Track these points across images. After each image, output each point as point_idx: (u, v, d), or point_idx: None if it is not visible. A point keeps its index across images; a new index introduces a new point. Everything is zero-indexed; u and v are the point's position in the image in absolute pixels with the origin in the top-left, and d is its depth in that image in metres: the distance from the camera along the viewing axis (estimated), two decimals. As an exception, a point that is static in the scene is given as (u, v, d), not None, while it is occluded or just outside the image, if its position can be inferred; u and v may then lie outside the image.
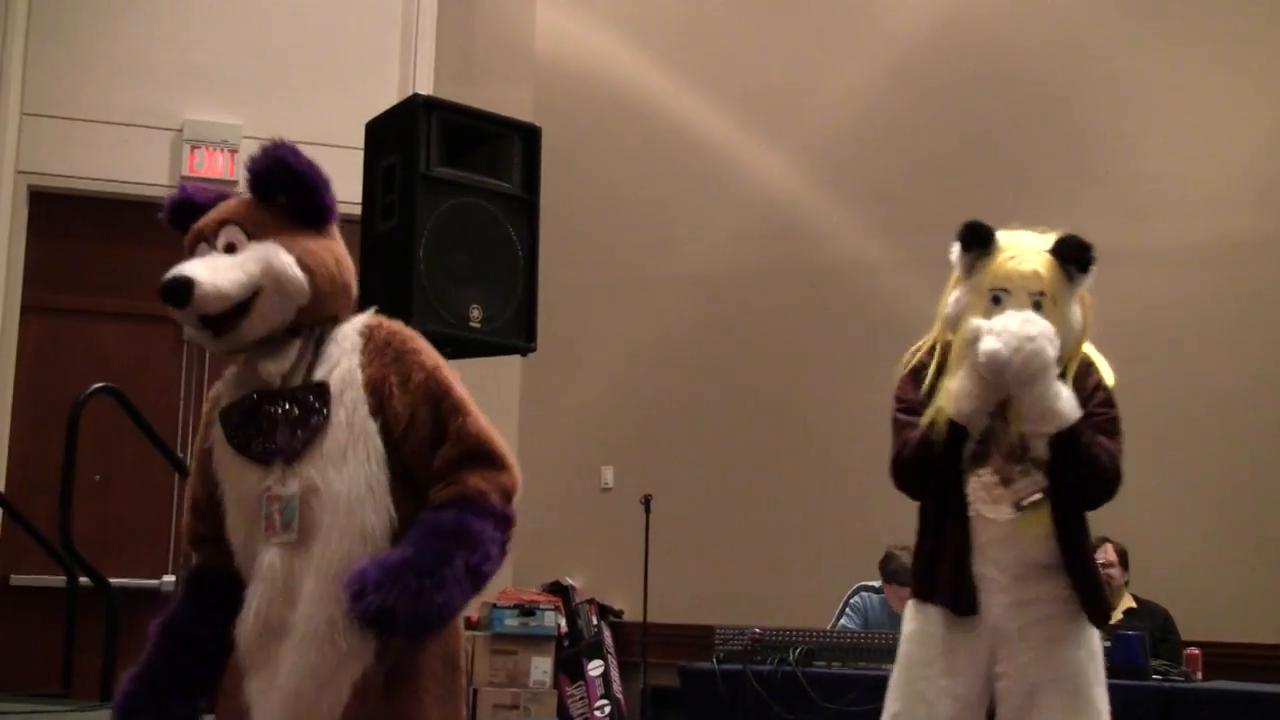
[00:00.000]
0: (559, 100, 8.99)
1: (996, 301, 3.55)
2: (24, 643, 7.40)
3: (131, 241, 7.76)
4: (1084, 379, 3.66)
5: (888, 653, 5.47)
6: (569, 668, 8.31)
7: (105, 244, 7.94)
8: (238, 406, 2.91)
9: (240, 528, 2.86)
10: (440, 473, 2.80)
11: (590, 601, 8.62)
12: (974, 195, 7.92)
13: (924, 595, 3.65)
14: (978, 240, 3.62)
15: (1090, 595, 3.58)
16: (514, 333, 4.34)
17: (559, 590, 8.57)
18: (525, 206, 4.38)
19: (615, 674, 8.43)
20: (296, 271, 2.85)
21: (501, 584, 8.49)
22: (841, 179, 8.60)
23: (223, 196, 3.08)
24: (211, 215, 2.95)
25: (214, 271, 2.79)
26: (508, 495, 2.83)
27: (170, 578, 7.71)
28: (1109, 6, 8.17)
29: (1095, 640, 3.61)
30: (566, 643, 8.35)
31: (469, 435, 2.83)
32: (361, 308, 4.22)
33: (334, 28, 8.46)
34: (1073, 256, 3.58)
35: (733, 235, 8.85)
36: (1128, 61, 8.05)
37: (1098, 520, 6.63)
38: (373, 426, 2.80)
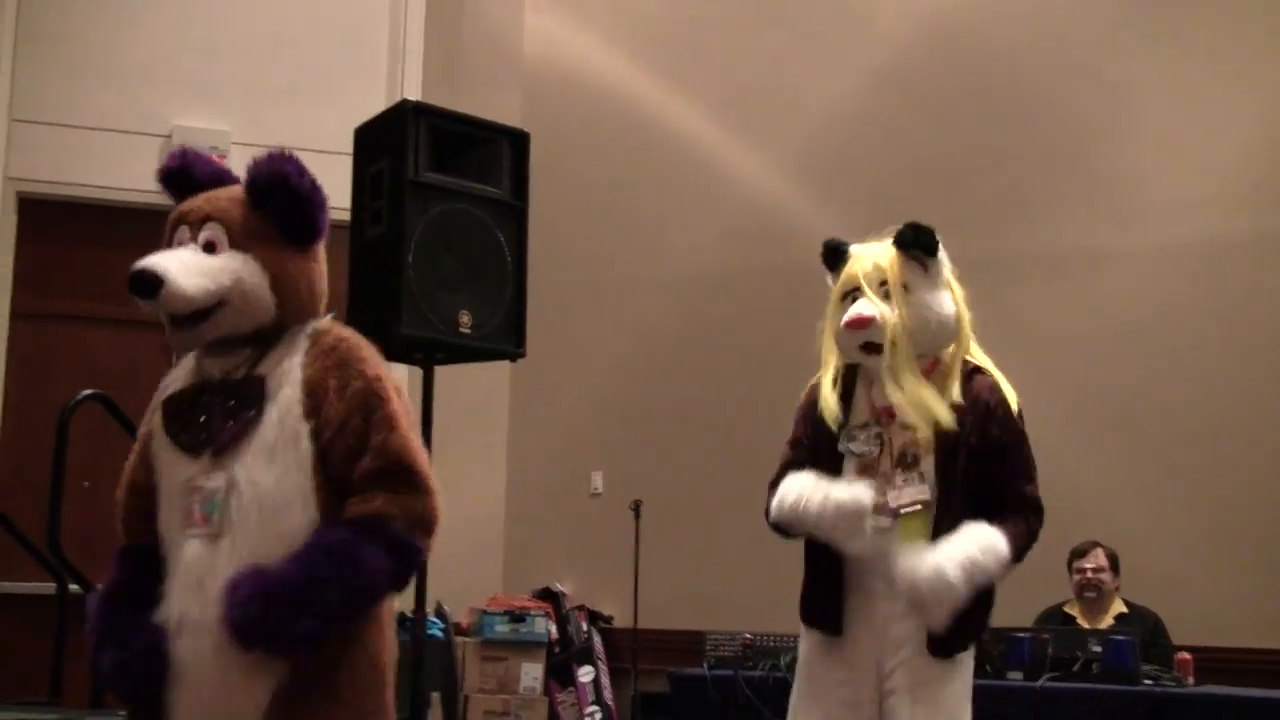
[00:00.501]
0: (547, 105, 8.99)
1: (851, 300, 3.62)
2: (12, 650, 7.38)
3: (120, 247, 7.62)
4: (981, 392, 3.60)
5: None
6: (560, 674, 8.30)
7: (94, 250, 7.90)
8: (180, 396, 2.91)
9: (165, 517, 2.84)
10: (357, 485, 2.77)
11: (580, 607, 8.62)
12: (960, 198, 7.93)
13: (802, 617, 3.76)
14: (833, 256, 3.76)
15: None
16: (503, 338, 4.33)
17: (549, 596, 8.57)
18: (514, 212, 4.38)
19: (606, 680, 8.42)
20: (266, 294, 2.86)
21: (492, 590, 8.48)
22: (828, 181, 8.60)
23: (219, 175, 3.09)
24: (200, 203, 2.94)
25: (186, 272, 2.79)
26: (417, 522, 2.79)
27: (160, 585, 7.70)
28: (1095, 10, 8.18)
29: (965, 657, 3.56)
30: (557, 649, 8.34)
31: (391, 451, 2.78)
32: (351, 313, 4.21)
33: (322, 34, 8.46)
34: (911, 241, 3.62)
35: (720, 238, 8.85)
36: (1114, 65, 8.06)
37: (1089, 524, 6.64)
38: (305, 428, 2.78)
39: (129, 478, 2.97)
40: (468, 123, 4.43)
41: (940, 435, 3.50)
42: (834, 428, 3.66)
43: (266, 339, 2.91)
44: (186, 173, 3.07)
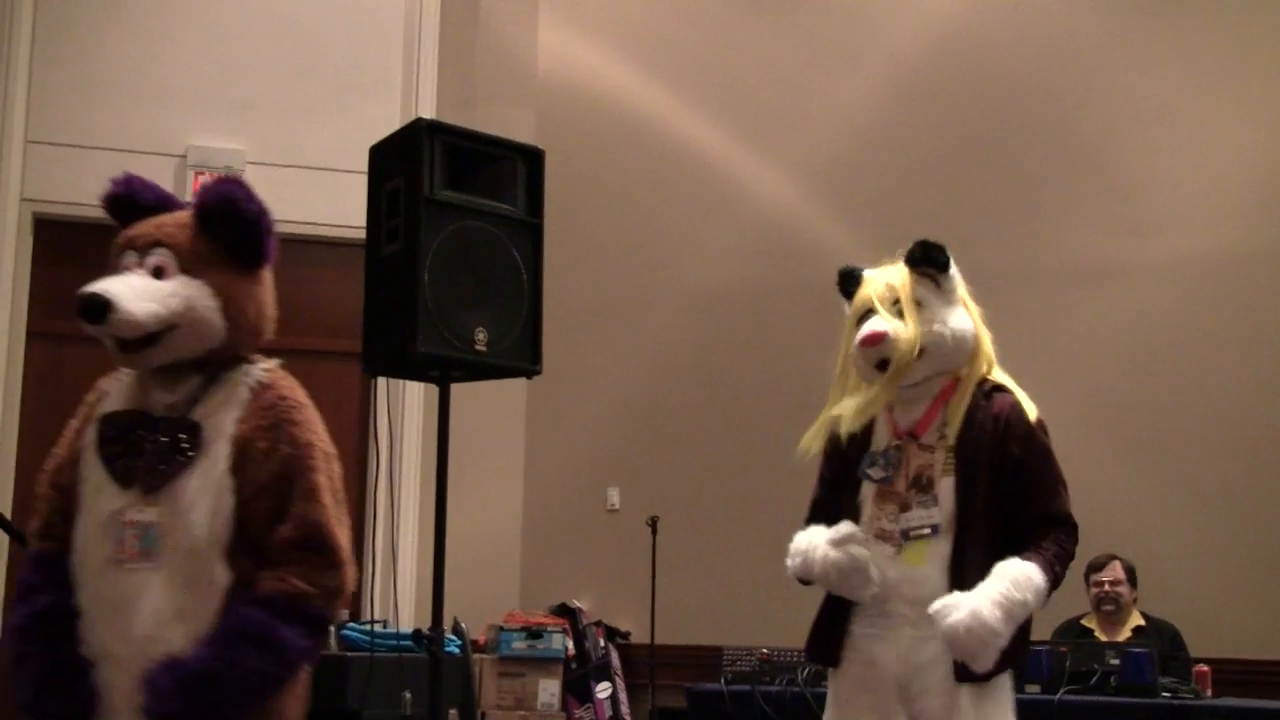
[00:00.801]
0: (562, 122, 9.00)
1: (864, 321, 3.63)
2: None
3: (136, 267, 7.75)
4: (1001, 410, 3.57)
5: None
6: (576, 690, 8.29)
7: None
8: (117, 419, 2.90)
9: (88, 537, 2.83)
10: (274, 553, 2.78)
11: (597, 623, 8.61)
12: (975, 211, 7.93)
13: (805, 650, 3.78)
14: (847, 282, 3.76)
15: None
16: (519, 355, 4.33)
17: (566, 612, 8.56)
18: (529, 229, 4.38)
19: (623, 696, 8.41)
20: (217, 318, 2.89)
21: (509, 606, 8.48)
22: (843, 196, 8.61)
23: (165, 200, 3.11)
24: (149, 228, 2.98)
25: (135, 297, 2.82)
26: (333, 597, 2.81)
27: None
28: (1108, 20, 8.18)
29: (997, 682, 3.46)
30: (574, 665, 8.33)
31: (309, 522, 2.80)
32: (367, 330, 4.22)
33: (337, 52, 8.48)
34: (922, 258, 3.63)
35: (736, 254, 8.85)
36: (1128, 75, 8.06)
37: (1106, 537, 6.62)
38: (229, 483, 2.79)
39: (55, 474, 2.97)
40: (482, 140, 4.44)
41: (959, 456, 3.49)
42: (843, 441, 3.65)
43: (215, 364, 2.93)
44: (132, 199, 3.12)
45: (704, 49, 9.15)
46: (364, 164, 4.49)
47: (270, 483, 2.81)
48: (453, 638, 7.70)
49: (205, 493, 2.78)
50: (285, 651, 2.71)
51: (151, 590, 2.74)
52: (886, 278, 3.65)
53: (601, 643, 8.53)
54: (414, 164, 4.19)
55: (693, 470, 8.67)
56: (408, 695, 5.01)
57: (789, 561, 3.68)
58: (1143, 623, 6.70)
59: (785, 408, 8.74)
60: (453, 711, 6.73)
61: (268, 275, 3.06)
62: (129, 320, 2.79)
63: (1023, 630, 3.44)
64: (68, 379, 7.92)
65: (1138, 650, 5.42)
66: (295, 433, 2.87)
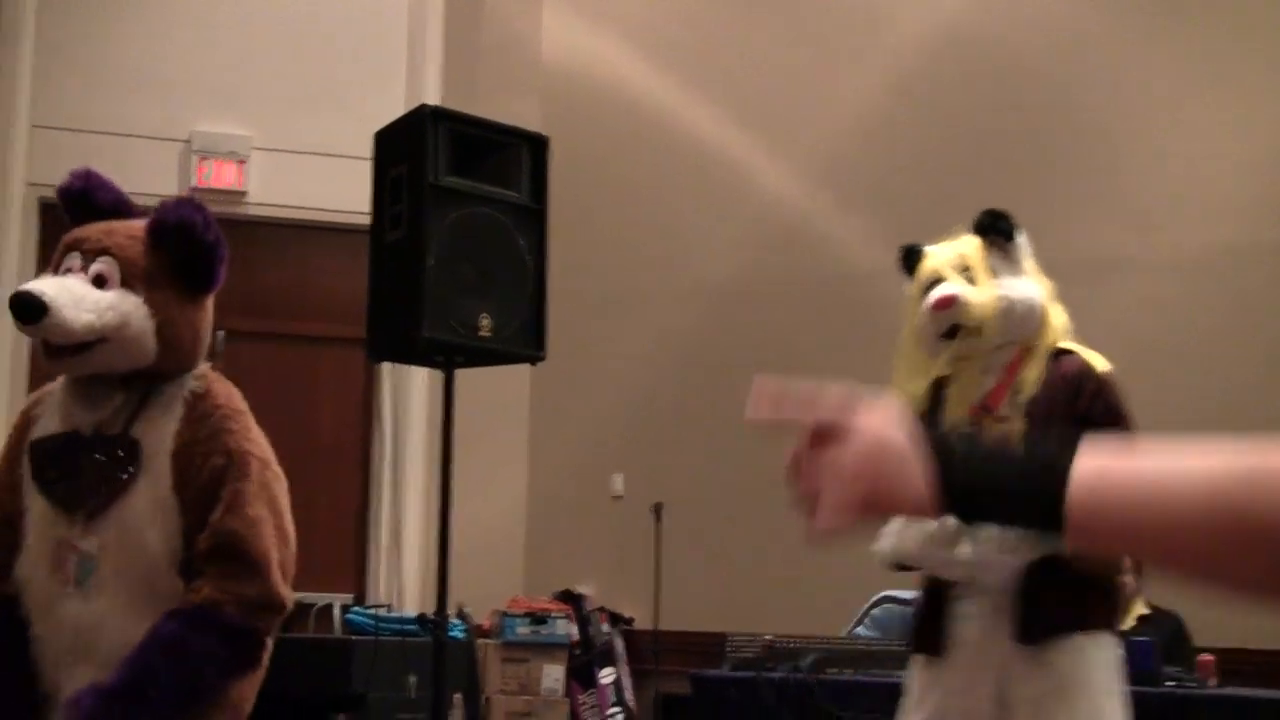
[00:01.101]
0: (566, 110, 8.99)
1: (931, 289, 3.59)
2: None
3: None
4: (1067, 371, 3.55)
5: (901, 660, 5.47)
6: (581, 675, 8.30)
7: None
8: (47, 444, 2.84)
9: (36, 570, 2.77)
10: (195, 565, 2.73)
11: (601, 609, 8.62)
12: (981, 203, 7.88)
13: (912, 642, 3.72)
14: (910, 258, 3.74)
15: (1023, 608, 3.41)
16: (523, 342, 4.34)
17: (570, 598, 8.57)
18: (534, 216, 4.39)
19: (627, 681, 8.43)
20: (149, 340, 2.80)
21: (513, 592, 8.50)
22: (849, 188, 8.60)
23: (119, 204, 3.02)
24: (98, 234, 2.89)
25: (72, 304, 2.73)
26: (252, 606, 2.72)
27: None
28: (1112, 14, 8.16)
29: (1100, 648, 3.47)
30: (578, 650, 8.34)
31: (225, 531, 2.72)
32: (371, 316, 4.21)
33: (341, 38, 8.48)
34: (990, 226, 3.66)
35: (741, 244, 8.85)
36: (1134, 70, 8.05)
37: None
38: (174, 501, 2.74)
39: None
40: (487, 127, 4.44)
41: (1030, 422, 3.44)
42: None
43: (135, 384, 2.85)
44: (88, 196, 3.02)
45: (709, 38, 9.15)
46: (369, 150, 4.49)
47: (202, 496, 2.75)
48: (457, 622, 7.73)
49: (154, 515, 2.73)
50: (194, 662, 2.65)
51: (111, 615, 2.70)
52: (955, 248, 3.63)
53: (605, 628, 8.54)
54: (419, 150, 4.19)
55: (697, 457, 8.68)
56: (412, 679, 5.04)
57: (879, 545, 3.57)
58: (1146, 612, 6.69)
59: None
60: (457, 696, 6.76)
61: (209, 303, 2.97)
62: (62, 327, 2.72)
63: (1099, 594, 3.44)
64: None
65: (1141, 639, 5.41)
66: (230, 441, 2.80)
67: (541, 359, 4.44)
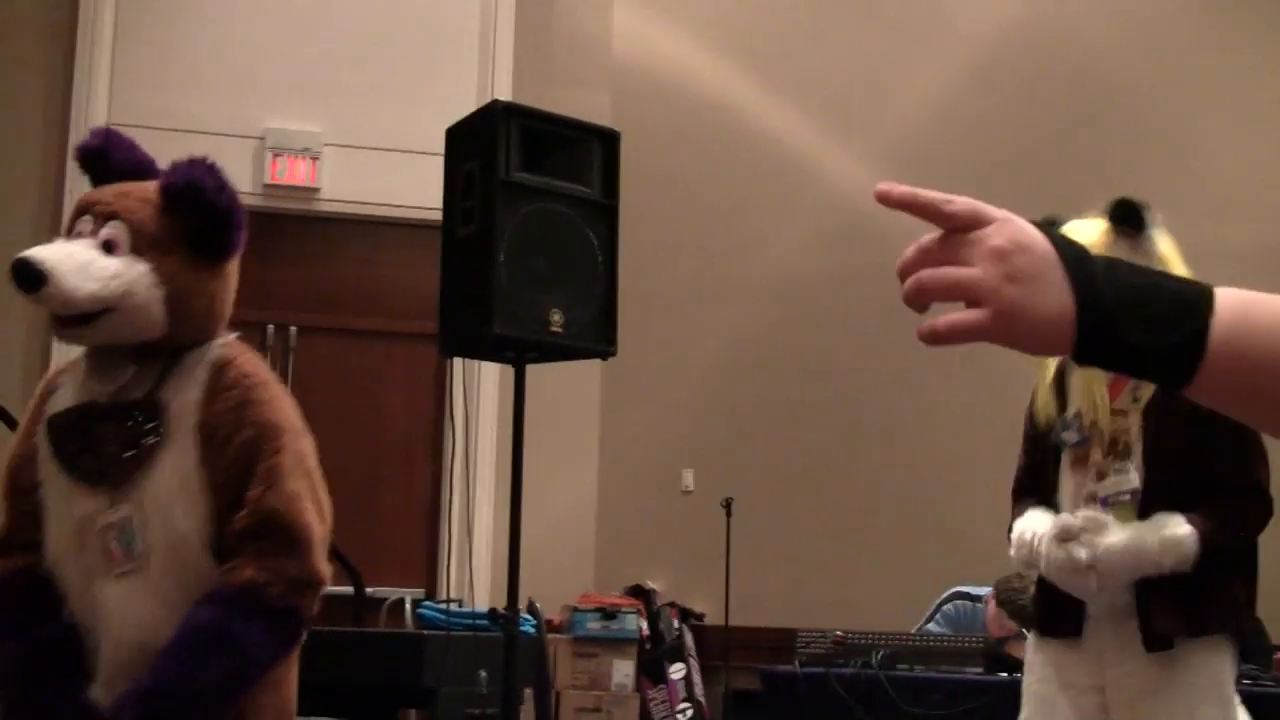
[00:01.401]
0: (637, 104, 9.00)
1: None
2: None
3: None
4: None
5: (972, 656, 5.44)
6: (651, 671, 8.31)
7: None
8: (64, 417, 2.72)
9: (64, 551, 2.68)
10: (230, 545, 2.61)
11: (671, 604, 8.62)
12: (1052, 194, 7.80)
13: (1034, 624, 3.67)
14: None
15: (1144, 616, 3.39)
16: (594, 337, 4.34)
17: (640, 593, 8.58)
18: (605, 211, 4.39)
19: (697, 677, 8.43)
20: (157, 309, 2.66)
21: (583, 587, 8.52)
22: (919, 179, 8.37)
23: (140, 165, 2.91)
24: (109, 196, 2.77)
25: (74, 271, 2.60)
26: (296, 584, 2.61)
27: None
28: (1187, 6, 8.09)
29: (1218, 652, 3.44)
30: (648, 646, 8.35)
31: (266, 508, 2.60)
32: (442, 314, 4.21)
33: (413, 34, 8.52)
34: (1123, 215, 3.57)
35: (812, 237, 8.83)
36: (1206, 59, 7.97)
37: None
38: (200, 478, 2.63)
39: (14, 474, 2.78)
40: (558, 122, 4.44)
41: (1149, 418, 3.42)
42: (1044, 426, 3.57)
43: (154, 355, 2.73)
44: (104, 156, 2.90)
45: (780, 32, 9.13)
46: (440, 146, 4.50)
47: (233, 470, 2.62)
48: (528, 618, 7.74)
49: (181, 490, 2.62)
50: (244, 650, 2.54)
51: (141, 594, 2.60)
52: (1088, 234, 3.53)
53: (675, 624, 8.54)
54: (490, 146, 4.20)
55: (767, 453, 8.67)
56: (483, 674, 5.05)
57: (1013, 552, 3.57)
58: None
59: (859, 391, 8.76)
60: (527, 691, 6.77)
61: (229, 270, 2.82)
62: (62, 297, 2.58)
63: (1216, 597, 3.41)
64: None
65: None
66: (259, 413, 2.66)
67: (612, 354, 4.43)
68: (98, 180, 2.86)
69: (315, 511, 2.69)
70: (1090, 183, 8.03)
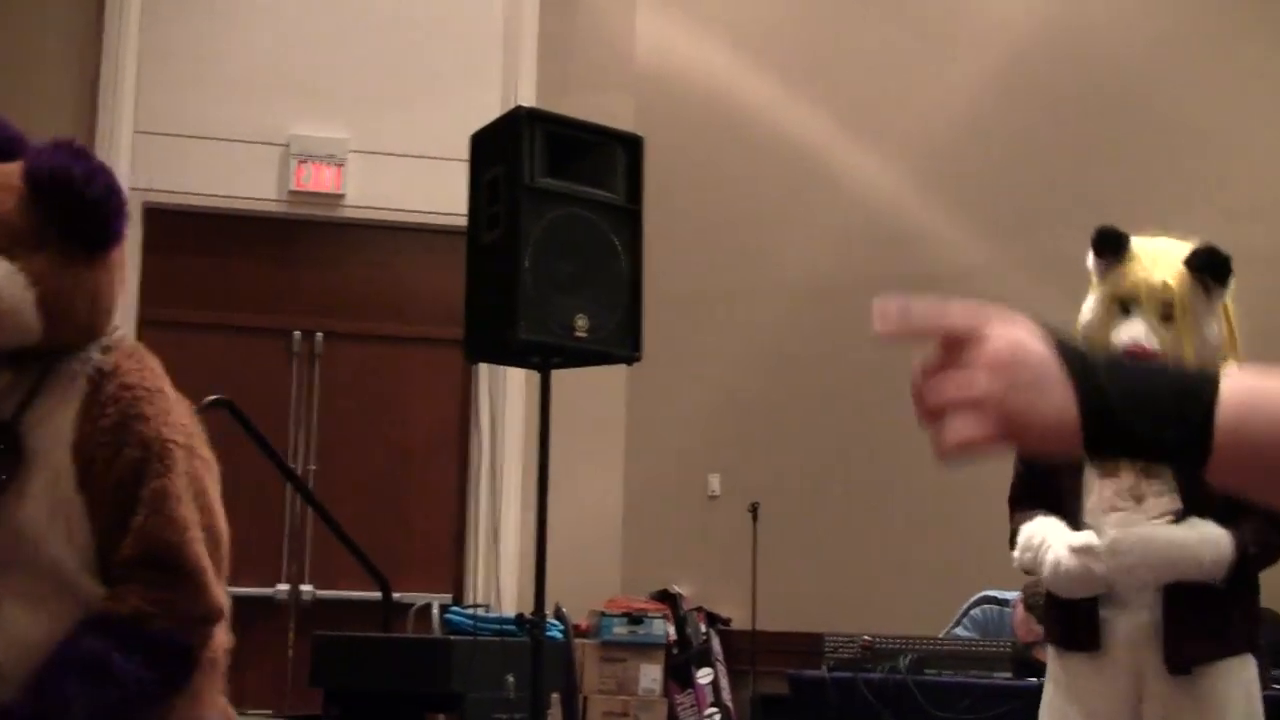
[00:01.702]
0: (661, 109, 8.99)
1: (1125, 311, 3.41)
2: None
3: (242, 255, 7.90)
4: None
5: (1000, 661, 5.43)
6: (678, 675, 8.31)
7: (216, 257, 8.07)
8: None
9: None
10: (115, 574, 2.35)
11: (699, 609, 8.62)
12: (1080, 198, 7.84)
13: (1050, 638, 3.61)
14: (1110, 246, 3.48)
15: (1169, 635, 3.35)
16: (619, 342, 4.35)
17: (667, 598, 8.58)
18: (629, 216, 4.39)
19: (724, 682, 8.42)
20: (29, 312, 2.36)
21: (610, 592, 8.51)
22: (945, 184, 8.55)
23: (13, 144, 2.54)
24: None
25: None
26: (187, 619, 2.37)
27: (284, 586, 7.77)
28: (1217, 10, 8.06)
29: (1243, 669, 3.40)
30: (675, 650, 8.34)
31: (150, 536, 2.34)
32: (467, 319, 4.21)
33: (437, 41, 8.54)
34: (1208, 267, 3.42)
35: (837, 242, 8.81)
36: (1239, 61, 7.94)
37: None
38: (79, 503, 2.36)
39: None
40: (582, 128, 4.45)
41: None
42: None
43: (33, 361, 2.44)
44: None
45: (804, 34, 9.12)
46: (465, 152, 4.52)
47: (115, 495, 2.35)
48: (554, 622, 7.75)
49: (53, 520, 2.34)
50: (119, 684, 2.28)
51: (14, 622, 2.33)
52: (1164, 273, 3.40)
53: (703, 628, 8.54)
54: (514, 152, 4.21)
55: (793, 457, 8.66)
56: (510, 679, 5.05)
57: (1016, 554, 3.53)
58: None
59: (885, 396, 8.71)
60: (554, 696, 6.78)
61: (113, 260, 2.50)
62: None
63: (1240, 614, 3.38)
64: (181, 366, 8.04)
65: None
66: (143, 429, 2.39)
67: (638, 359, 4.44)
68: None
69: (208, 538, 2.44)
70: (1115, 187, 8.02)
